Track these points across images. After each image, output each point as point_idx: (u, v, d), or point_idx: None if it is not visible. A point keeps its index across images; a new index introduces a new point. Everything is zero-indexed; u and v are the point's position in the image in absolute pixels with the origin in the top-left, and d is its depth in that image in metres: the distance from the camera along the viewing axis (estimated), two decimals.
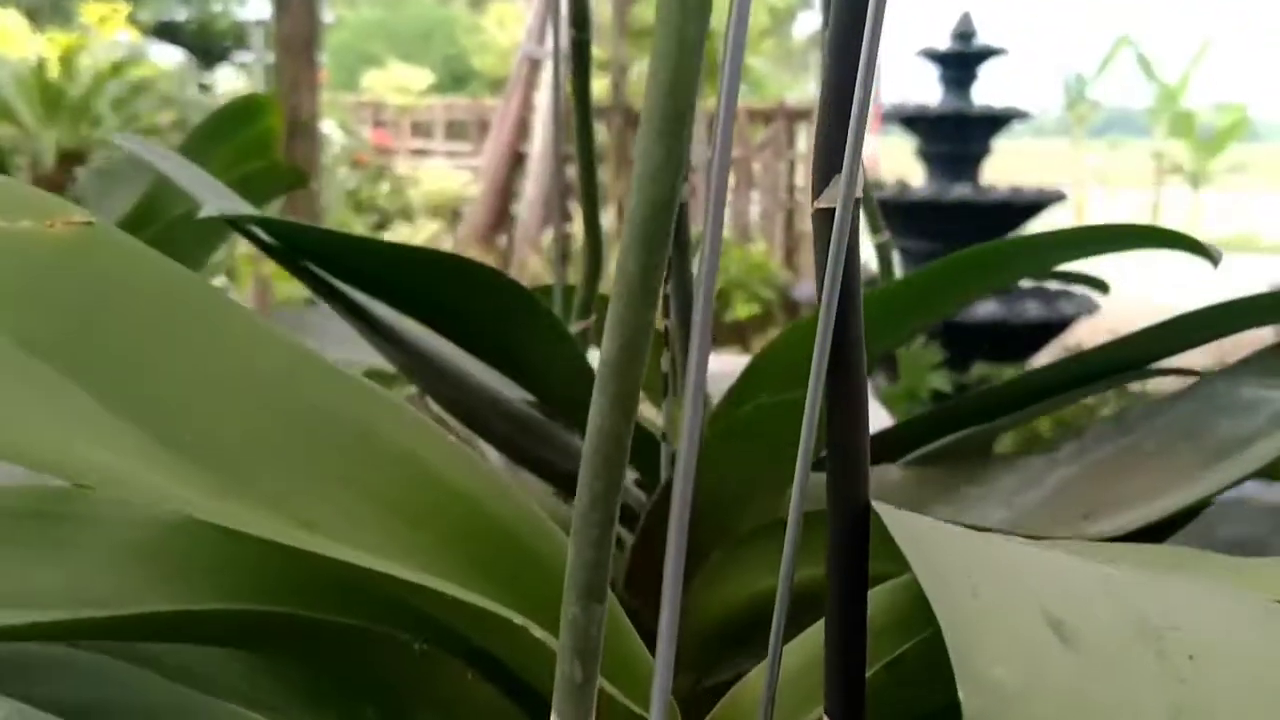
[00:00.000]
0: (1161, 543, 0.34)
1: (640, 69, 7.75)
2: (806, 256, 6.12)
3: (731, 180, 6.90)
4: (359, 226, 6.06)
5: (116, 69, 5.38)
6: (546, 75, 6.09)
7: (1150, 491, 0.36)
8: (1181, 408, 0.38)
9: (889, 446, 0.40)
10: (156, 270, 0.25)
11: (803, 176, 6.25)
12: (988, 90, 3.44)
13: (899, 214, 3.53)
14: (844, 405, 0.21)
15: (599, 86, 6.80)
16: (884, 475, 0.39)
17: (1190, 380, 0.40)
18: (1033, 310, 3.35)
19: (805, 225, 6.18)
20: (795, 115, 6.05)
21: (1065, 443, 0.39)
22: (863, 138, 0.21)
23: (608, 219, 6.09)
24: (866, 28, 0.20)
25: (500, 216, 6.14)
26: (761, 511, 0.35)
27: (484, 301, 0.38)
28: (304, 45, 3.13)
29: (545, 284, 0.54)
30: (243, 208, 0.36)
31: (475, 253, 5.86)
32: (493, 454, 0.44)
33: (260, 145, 0.57)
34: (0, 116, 5.32)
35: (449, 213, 6.07)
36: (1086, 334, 3.44)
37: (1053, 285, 3.73)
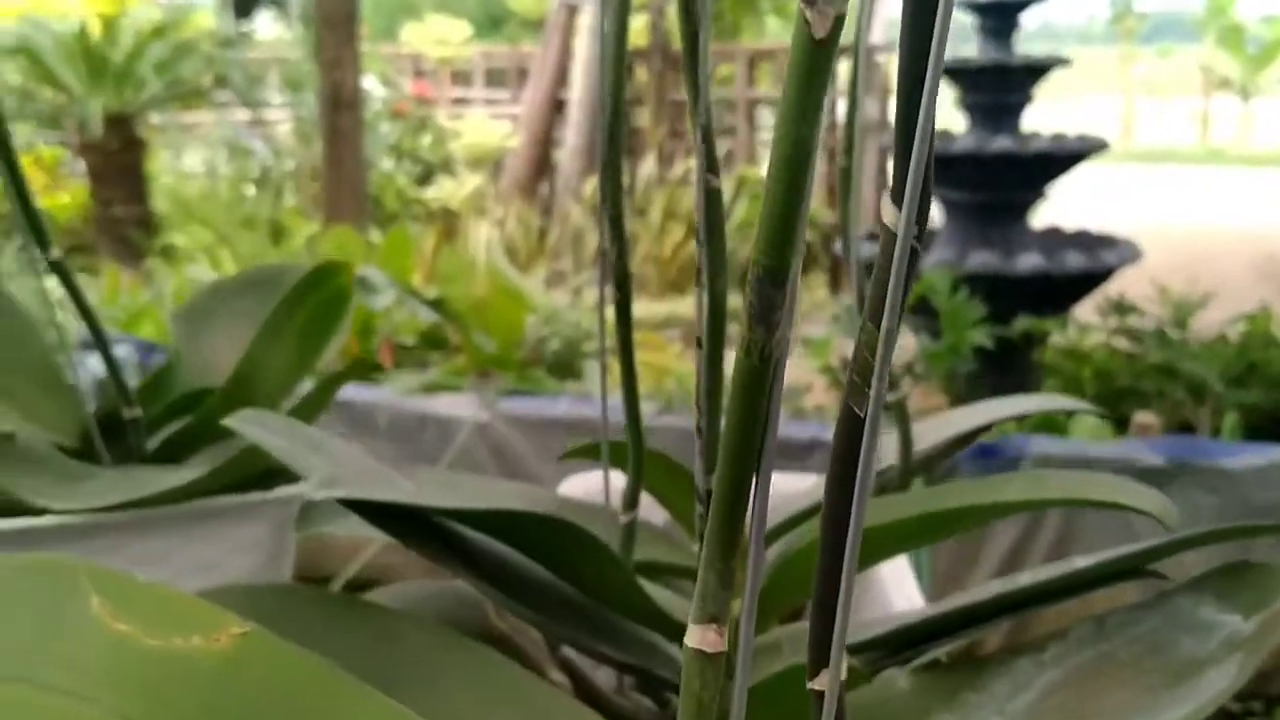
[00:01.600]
0: None
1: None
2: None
3: (771, 119, 6.86)
4: (402, 179, 6.12)
5: (158, 31, 5.44)
6: (585, 20, 6.08)
7: (1124, 707, 0.42)
8: (1151, 620, 0.44)
9: (904, 644, 0.46)
10: (304, 670, 0.31)
11: (843, 111, 6.21)
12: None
13: (940, 166, 3.53)
14: None
15: (640, 31, 6.76)
16: (893, 684, 0.45)
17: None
18: (1074, 261, 3.36)
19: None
20: (840, 51, 5.99)
21: (1051, 644, 0.45)
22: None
23: (647, 165, 6.10)
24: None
25: (541, 166, 6.17)
26: None
27: (553, 539, 0.45)
28: (345, 20, 3.17)
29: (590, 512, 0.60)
30: (350, 482, 0.42)
31: (517, 204, 5.90)
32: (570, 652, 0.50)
33: (335, 303, 0.64)
34: (46, 82, 5.42)
35: (491, 165, 6.11)
36: (1130, 283, 3.45)
37: (1095, 232, 3.73)
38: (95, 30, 5.35)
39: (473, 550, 0.47)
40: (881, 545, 0.48)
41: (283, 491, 0.57)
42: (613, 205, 0.44)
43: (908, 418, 0.58)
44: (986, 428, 0.60)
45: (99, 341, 0.58)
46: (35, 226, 0.54)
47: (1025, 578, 0.48)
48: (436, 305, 3.10)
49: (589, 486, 0.68)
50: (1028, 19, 3.61)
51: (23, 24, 5.53)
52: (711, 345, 0.37)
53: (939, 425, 0.63)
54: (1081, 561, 0.48)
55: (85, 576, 0.31)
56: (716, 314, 0.37)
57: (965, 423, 0.61)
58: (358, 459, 0.47)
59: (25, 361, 0.63)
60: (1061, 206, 3.87)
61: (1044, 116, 3.67)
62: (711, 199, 0.37)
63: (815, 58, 0.21)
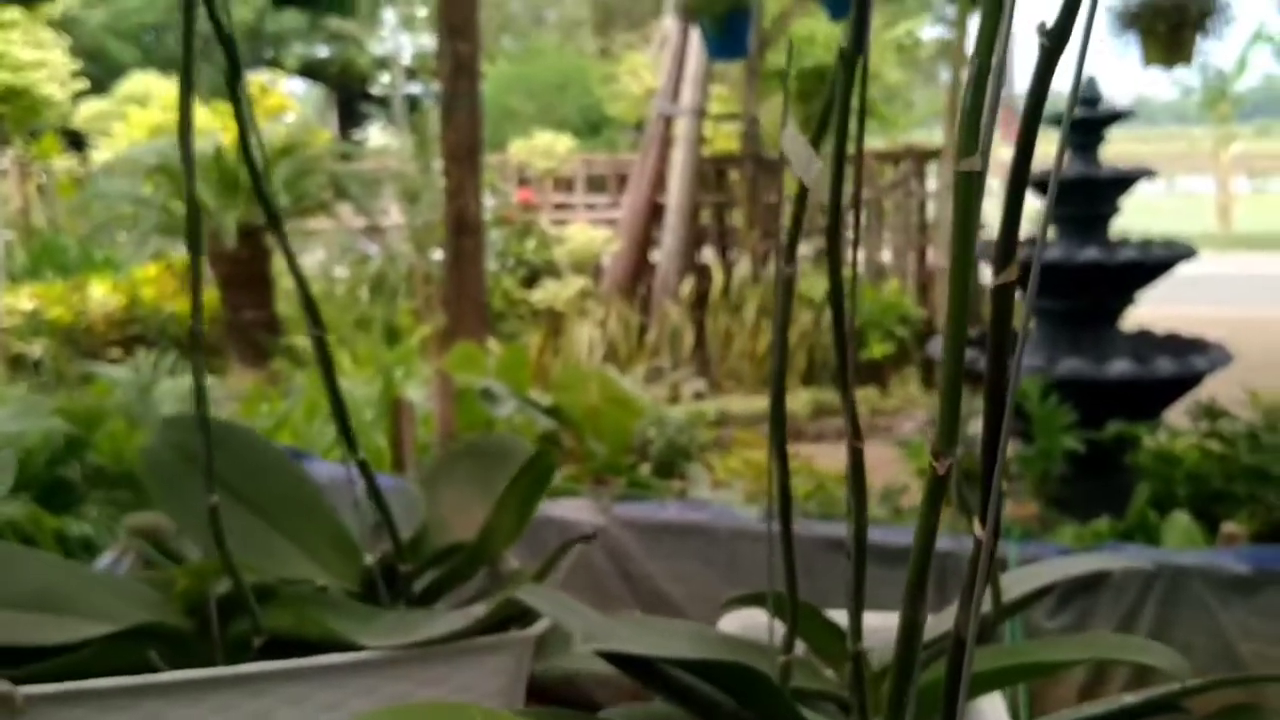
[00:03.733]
0: None
1: (770, 116, 7.95)
2: (940, 293, 6.26)
3: (861, 219, 7.06)
4: (509, 281, 6.43)
5: (286, 150, 5.85)
6: (681, 129, 6.37)
7: None
8: None
9: None
10: None
11: (933, 211, 6.39)
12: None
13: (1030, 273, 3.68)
14: None
15: (731, 137, 7.07)
16: None
17: None
18: (1165, 366, 3.46)
19: (938, 261, 6.33)
20: (924, 155, 6.20)
21: None
22: None
23: (743, 267, 6.31)
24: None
25: (639, 267, 6.43)
26: None
27: (736, 676, 0.63)
28: (468, 154, 3.45)
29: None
30: (602, 638, 0.61)
31: (617, 304, 6.16)
32: None
33: (544, 476, 0.83)
34: (183, 198, 5.83)
35: (592, 268, 6.39)
36: (1220, 387, 3.53)
37: (1185, 336, 3.82)
38: (229, 150, 5.76)
39: (674, 681, 0.66)
40: (971, 689, 0.65)
41: (517, 633, 0.76)
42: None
43: (998, 579, 0.75)
44: (1053, 586, 0.77)
45: (391, 533, 0.79)
46: (348, 437, 0.74)
47: (1085, 709, 0.65)
48: (553, 413, 3.33)
49: (743, 622, 0.86)
50: (1120, 96, 3.76)
51: (163, 144, 5.98)
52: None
53: (1019, 580, 0.80)
54: (1129, 698, 0.65)
55: (478, 714, 0.50)
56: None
57: (1037, 580, 0.79)
58: (597, 617, 0.66)
59: (319, 524, 0.84)
60: (1158, 297, 3.91)
61: (1137, 200, 3.78)
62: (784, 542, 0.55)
63: (935, 487, 0.38)
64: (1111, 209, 3.73)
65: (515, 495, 0.83)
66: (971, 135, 0.34)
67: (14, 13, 6.32)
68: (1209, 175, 15.89)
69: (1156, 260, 3.57)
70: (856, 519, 0.54)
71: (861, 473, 0.53)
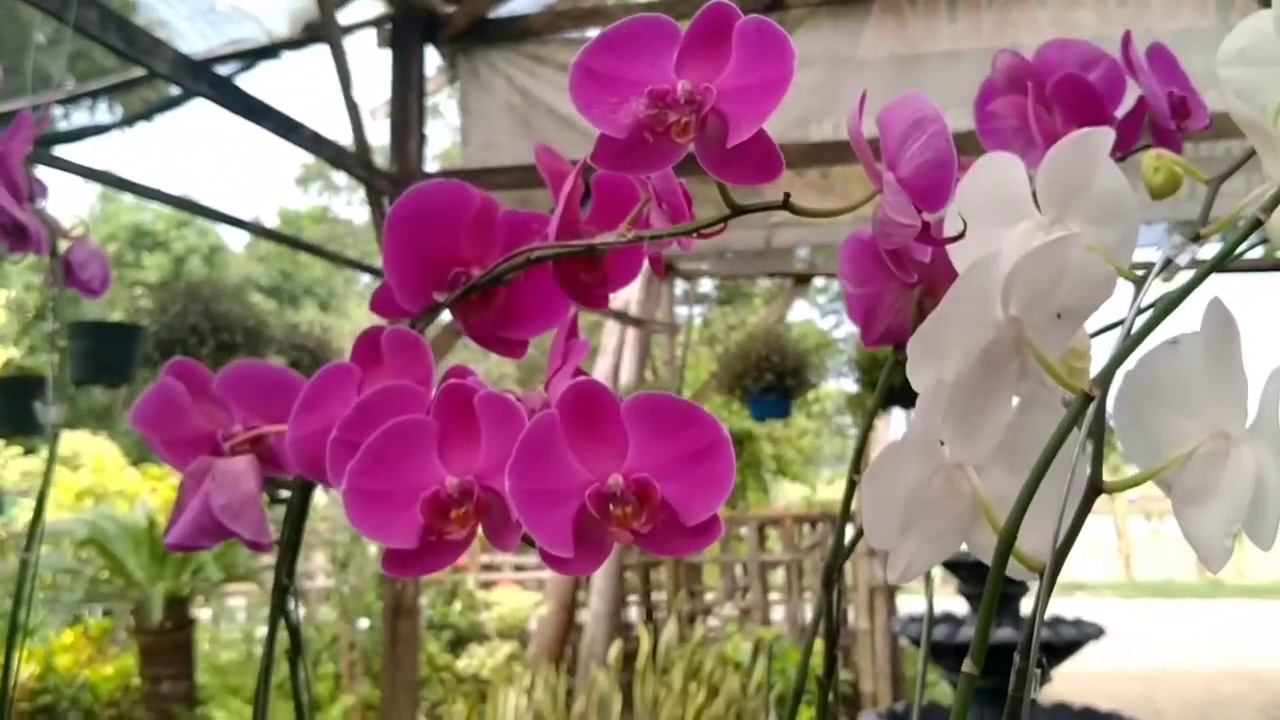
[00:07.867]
0: None
1: None
2: (864, 655, 6.36)
3: (782, 580, 7.25)
4: (434, 646, 6.40)
5: None
6: None
7: None
8: None
9: None
10: None
11: (851, 575, 6.58)
12: None
13: (950, 653, 3.83)
14: None
15: None
16: None
17: None
18: None
19: (860, 623, 6.46)
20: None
21: None
22: None
23: (669, 628, 6.38)
24: None
25: (567, 630, 6.46)
26: None
27: None
28: None
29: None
30: None
31: (545, 670, 6.15)
32: None
33: None
34: (112, 570, 5.83)
35: (520, 632, 6.41)
36: None
37: (1102, 711, 3.96)
38: (161, 521, 5.82)
39: None
40: None
41: None
42: None
43: None
44: None
45: None
46: None
47: None
48: None
49: None
50: None
51: (92, 515, 6.03)
52: None
53: None
54: None
55: None
56: None
57: None
58: None
59: None
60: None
61: None
62: None
63: None
64: (1020, 589, 3.94)
65: None
66: None
67: None
68: (1107, 516, 16.47)
69: (1067, 640, 3.76)
70: None
71: None
